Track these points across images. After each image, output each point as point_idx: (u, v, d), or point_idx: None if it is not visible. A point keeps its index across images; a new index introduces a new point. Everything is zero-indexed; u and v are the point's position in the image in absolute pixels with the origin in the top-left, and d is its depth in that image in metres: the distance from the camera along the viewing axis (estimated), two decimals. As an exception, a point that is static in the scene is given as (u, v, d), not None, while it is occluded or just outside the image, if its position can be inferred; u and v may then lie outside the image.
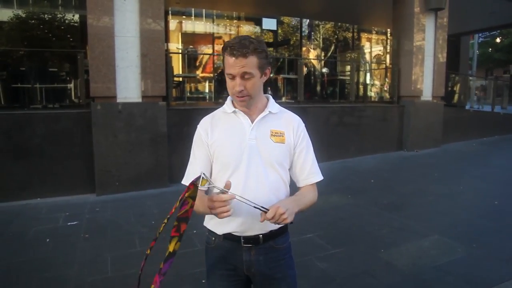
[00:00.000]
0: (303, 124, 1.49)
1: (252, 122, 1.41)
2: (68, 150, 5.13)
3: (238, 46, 1.27)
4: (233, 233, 1.39)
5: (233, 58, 1.28)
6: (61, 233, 3.83)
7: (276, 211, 1.20)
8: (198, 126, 1.48)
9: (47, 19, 8.25)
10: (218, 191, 1.21)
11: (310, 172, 1.47)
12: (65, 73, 7.14)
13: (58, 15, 8.38)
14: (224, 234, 1.40)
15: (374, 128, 8.10)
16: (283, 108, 1.50)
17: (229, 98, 1.46)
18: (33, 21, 8.09)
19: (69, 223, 4.10)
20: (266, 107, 1.44)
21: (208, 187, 1.20)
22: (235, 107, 1.43)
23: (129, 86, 5.27)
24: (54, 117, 5.13)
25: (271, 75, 8.35)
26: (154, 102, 5.44)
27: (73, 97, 6.83)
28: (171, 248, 1.21)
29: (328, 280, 2.88)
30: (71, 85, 6.91)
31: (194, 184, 1.16)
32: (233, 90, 1.34)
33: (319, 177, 1.49)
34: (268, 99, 1.48)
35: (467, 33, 15.77)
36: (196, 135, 1.47)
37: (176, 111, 5.86)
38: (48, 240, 3.63)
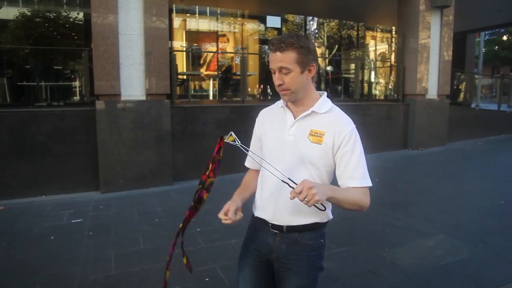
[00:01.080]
0: (352, 127, 1.42)
1: (295, 119, 1.45)
2: (72, 148, 5.15)
3: (276, 41, 1.34)
4: (262, 217, 1.50)
5: (272, 53, 1.36)
6: (65, 230, 3.85)
7: (304, 185, 1.15)
8: (257, 118, 1.62)
9: (52, 17, 8.27)
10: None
11: (350, 176, 1.39)
12: (70, 71, 7.16)
13: (63, 13, 8.40)
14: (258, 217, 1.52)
15: (378, 127, 8.06)
16: (335, 109, 1.48)
17: None
18: (38, 19, 8.10)
19: (73, 221, 4.12)
20: (312, 106, 1.44)
21: (234, 144, 1.31)
22: (286, 103, 1.49)
23: (133, 84, 5.27)
24: (58, 115, 5.14)
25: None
26: (158, 100, 5.45)
27: (77, 95, 6.85)
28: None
29: (332, 280, 2.86)
30: (76, 83, 6.93)
31: (221, 137, 1.31)
32: (275, 84, 1.40)
33: (358, 182, 1.37)
34: (321, 96, 1.49)
35: (473, 31, 15.63)
36: (255, 126, 1.62)
37: (180, 109, 5.86)
38: (52, 237, 3.65)
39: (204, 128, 5.95)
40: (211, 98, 8.91)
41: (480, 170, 6.72)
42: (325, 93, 1.51)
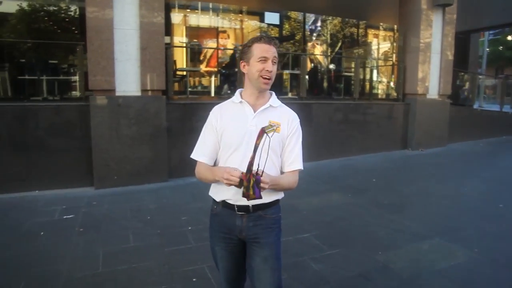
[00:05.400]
0: (298, 120, 1.75)
1: (255, 112, 1.67)
2: (67, 143, 5.09)
3: (272, 38, 1.65)
4: (227, 201, 1.67)
5: (268, 45, 1.61)
6: (56, 226, 3.80)
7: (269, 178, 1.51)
8: (210, 112, 1.76)
9: (46, 10, 8.16)
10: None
11: (294, 161, 1.71)
12: (66, 65, 7.09)
13: (58, 7, 8.29)
14: (222, 202, 1.69)
15: (378, 126, 7.98)
16: (283, 104, 1.77)
17: (238, 91, 1.75)
18: (32, 13, 8.00)
19: (64, 217, 4.07)
20: (268, 101, 1.71)
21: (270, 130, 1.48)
22: (242, 98, 1.70)
23: (128, 80, 5.21)
24: (53, 109, 5.09)
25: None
26: (154, 96, 5.38)
27: (73, 90, 6.78)
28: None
29: (322, 283, 2.80)
30: (71, 78, 6.86)
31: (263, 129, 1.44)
32: (262, 71, 1.61)
33: (299, 165, 1.72)
34: (271, 95, 1.75)
35: (477, 30, 15.44)
36: (208, 120, 1.75)
37: (176, 105, 5.79)
38: (42, 233, 3.60)
39: (200, 124, 5.84)
40: (208, 94, 8.84)
41: (480, 172, 6.64)
42: (273, 92, 1.78)
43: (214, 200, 1.76)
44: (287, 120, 1.70)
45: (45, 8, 8.09)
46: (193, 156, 1.76)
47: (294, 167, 1.70)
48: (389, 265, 3.08)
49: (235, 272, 1.78)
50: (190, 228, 3.78)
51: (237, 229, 1.68)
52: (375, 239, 3.62)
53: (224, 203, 1.69)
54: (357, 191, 5.16)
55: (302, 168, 1.73)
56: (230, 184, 1.50)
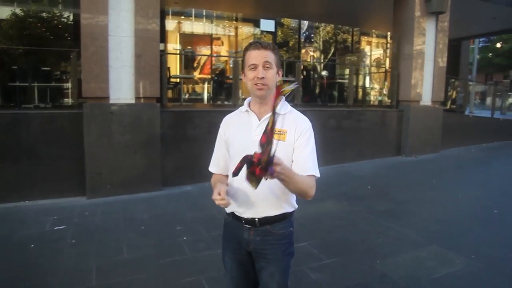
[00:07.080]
0: (309, 125, 1.61)
1: (260, 120, 1.60)
2: (59, 151, 5.00)
3: (261, 42, 1.58)
4: (235, 213, 1.65)
5: (257, 50, 1.55)
6: (47, 238, 3.70)
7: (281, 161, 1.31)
8: (221, 123, 1.75)
9: (40, 17, 8.09)
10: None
11: (302, 165, 1.55)
12: (59, 72, 7.01)
13: (52, 13, 8.23)
14: (232, 213, 1.67)
15: (372, 133, 8.00)
16: (294, 110, 1.67)
17: (246, 101, 1.70)
18: (26, 19, 7.93)
19: (56, 228, 3.97)
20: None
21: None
22: (249, 107, 1.66)
23: (122, 87, 5.15)
24: (45, 117, 5.01)
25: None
26: (148, 104, 5.33)
27: (66, 97, 6.70)
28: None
29: (321, 293, 2.76)
30: (64, 85, 6.79)
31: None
32: (254, 79, 1.54)
33: (311, 171, 1.54)
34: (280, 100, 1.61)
35: (468, 38, 15.69)
36: (219, 132, 1.75)
37: (170, 113, 5.75)
38: (32, 245, 3.50)
39: (195, 132, 5.84)
40: (203, 102, 8.80)
41: (473, 178, 6.68)
42: (283, 97, 1.61)
43: (225, 211, 1.74)
44: (294, 126, 1.58)
45: (38, 14, 8.01)
46: (209, 168, 1.80)
47: (304, 174, 1.52)
48: (388, 274, 3.05)
49: (242, 284, 1.74)
50: (185, 238, 3.72)
51: (245, 242, 1.65)
52: (373, 247, 3.59)
53: (233, 214, 1.68)
54: (353, 199, 5.14)
55: (318, 175, 1.56)
56: (220, 204, 1.49)
